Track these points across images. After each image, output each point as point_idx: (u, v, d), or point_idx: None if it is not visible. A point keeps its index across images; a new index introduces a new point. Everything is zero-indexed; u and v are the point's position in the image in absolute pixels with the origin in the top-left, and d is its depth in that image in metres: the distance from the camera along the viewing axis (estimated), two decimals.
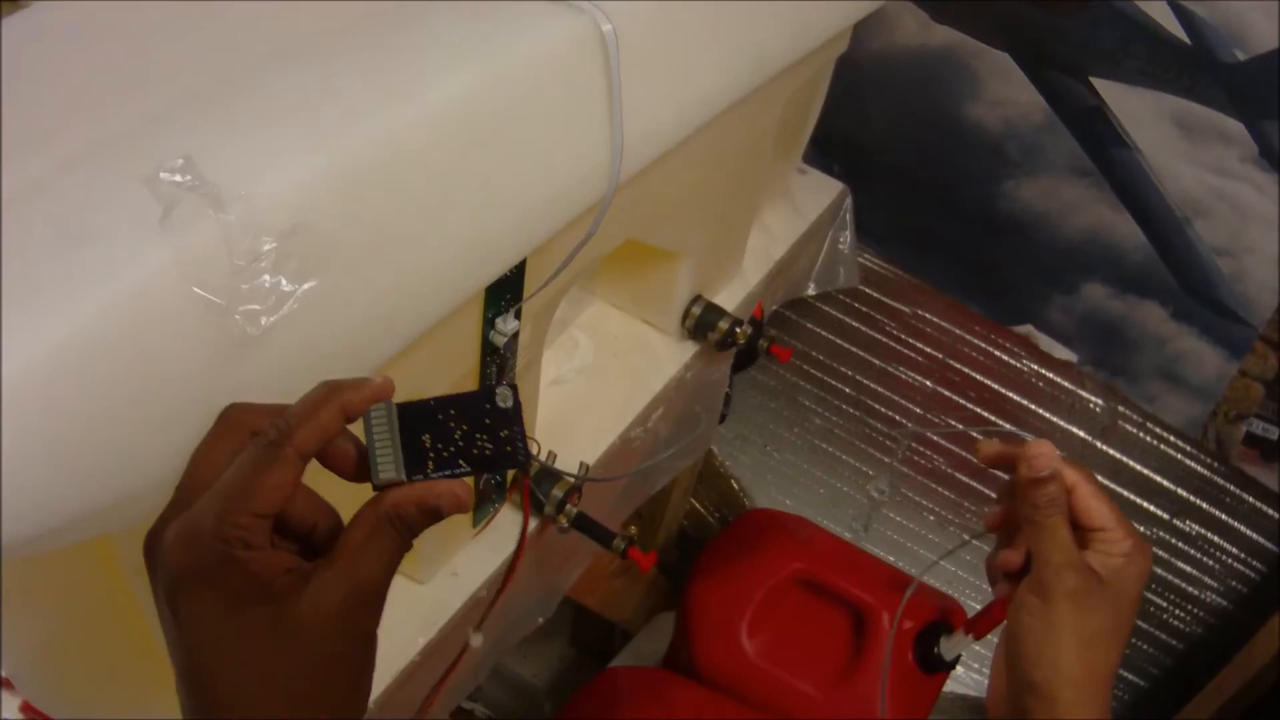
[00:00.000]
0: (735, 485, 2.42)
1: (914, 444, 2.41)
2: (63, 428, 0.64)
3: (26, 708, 1.08)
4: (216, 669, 0.61)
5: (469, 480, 0.74)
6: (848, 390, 2.43)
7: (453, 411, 0.69)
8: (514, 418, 0.71)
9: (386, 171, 0.78)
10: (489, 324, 1.07)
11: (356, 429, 0.68)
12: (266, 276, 0.69)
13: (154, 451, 0.69)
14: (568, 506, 1.30)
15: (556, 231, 0.97)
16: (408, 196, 0.81)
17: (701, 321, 1.57)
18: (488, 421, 0.69)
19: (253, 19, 0.88)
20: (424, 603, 1.25)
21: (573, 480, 1.31)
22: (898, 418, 2.42)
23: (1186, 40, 1.86)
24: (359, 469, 0.68)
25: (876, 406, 2.43)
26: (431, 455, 0.68)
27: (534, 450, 1.30)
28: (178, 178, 0.67)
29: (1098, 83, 1.96)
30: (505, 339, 1.08)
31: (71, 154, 0.72)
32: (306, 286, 0.71)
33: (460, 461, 0.69)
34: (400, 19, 0.87)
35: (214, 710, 0.61)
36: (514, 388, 0.71)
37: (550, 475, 1.31)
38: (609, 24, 0.90)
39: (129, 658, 0.99)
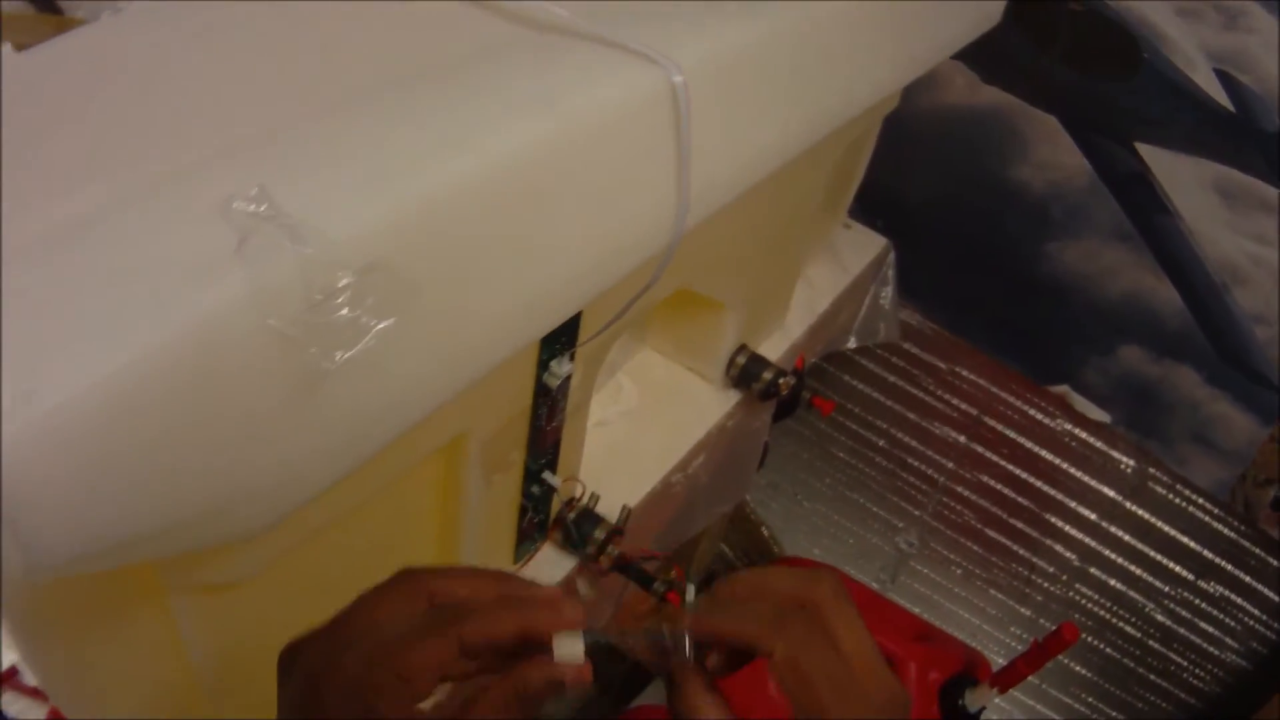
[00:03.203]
0: (765, 532, 2.42)
1: (945, 498, 2.42)
2: (126, 449, 0.63)
3: (55, 714, 1.08)
4: None
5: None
6: (882, 443, 2.44)
7: None
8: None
9: (461, 214, 0.79)
10: (543, 366, 1.08)
11: None
12: (344, 311, 0.69)
13: (217, 479, 0.69)
14: (609, 548, 1.30)
15: (618, 280, 0.98)
16: (481, 239, 0.81)
17: (746, 371, 1.58)
18: None
19: (330, 57, 0.88)
20: None
21: (614, 524, 1.32)
22: (930, 472, 2.42)
23: (1231, 108, 1.87)
24: None
25: (910, 460, 2.44)
26: None
27: (578, 491, 1.31)
28: (252, 207, 0.67)
29: (1143, 148, 1.97)
30: (559, 381, 1.09)
31: (143, 180, 0.72)
32: (385, 324, 0.72)
33: None
34: (477, 64, 0.88)
35: None
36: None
37: (592, 517, 1.31)
38: (680, 76, 0.91)
39: (163, 681, 0.99)
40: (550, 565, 1.34)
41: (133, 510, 0.66)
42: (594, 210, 0.91)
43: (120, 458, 0.63)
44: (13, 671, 1.11)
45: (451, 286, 0.80)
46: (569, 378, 1.11)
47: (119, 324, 0.63)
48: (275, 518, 0.75)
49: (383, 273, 0.71)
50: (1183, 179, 1.97)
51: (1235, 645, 2.35)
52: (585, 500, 1.31)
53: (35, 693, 1.09)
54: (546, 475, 1.23)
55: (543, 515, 1.29)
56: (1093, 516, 2.35)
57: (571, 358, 1.09)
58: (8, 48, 0.83)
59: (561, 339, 1.07)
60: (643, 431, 1.52)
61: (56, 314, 0.62)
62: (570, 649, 0.71)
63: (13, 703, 1.09)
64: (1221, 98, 1.88)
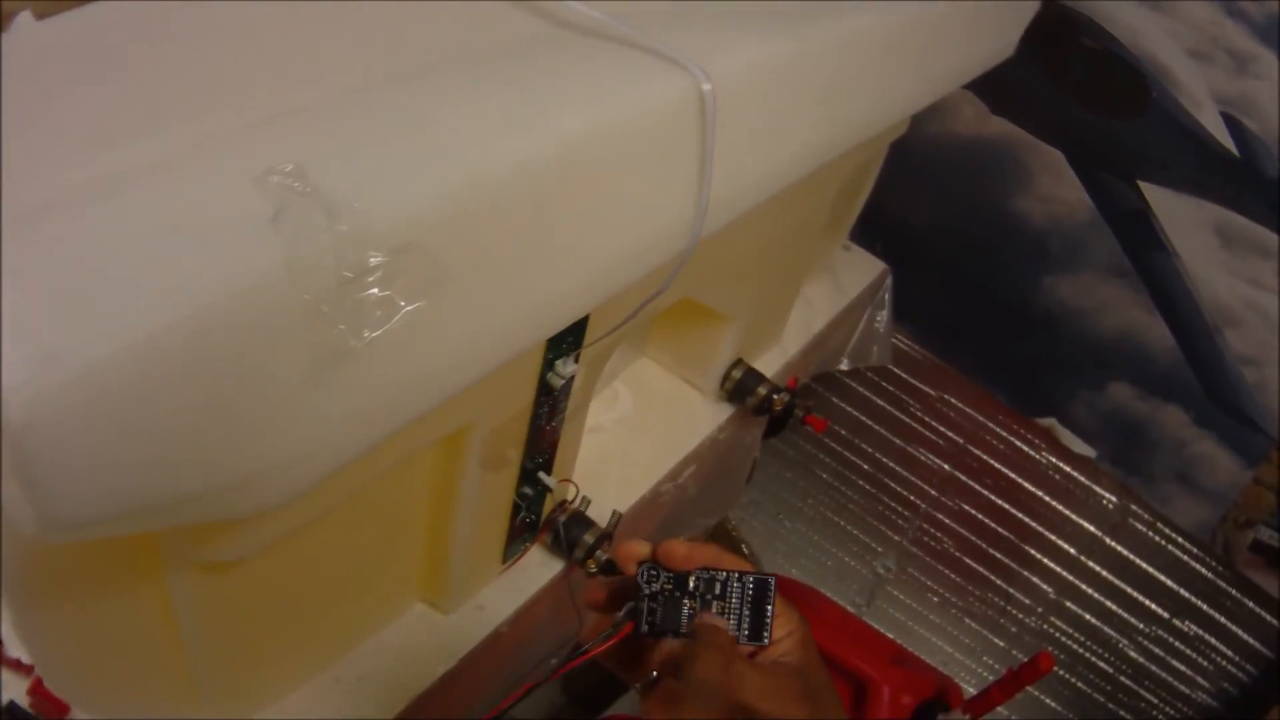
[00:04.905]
0: (745, 550, 2.42)
1: (925, 525, 2.42)
2: (149, 417, 0.63)
3: (37, 688, 1.08)
4: None
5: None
6: (866, 466, 2.45)
7: None
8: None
9: (493, 203, 0.79)
10: (548, 365, 1.08)
11: None
12: (374, 290, 0.70)
13: (237, 451, 0.69)
14: (597, 553, 1.30)
15: (634, 282, 0.98)
16: (510, 230, 0.82)
17: (741, 385, 1.59)
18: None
19: (373, 40, 0.89)
20: (447, 633, 1.25)
21: (604, 527, 1.32)
22: (912, 498, 2.43)
23: (1236, 152, 1.88)
24: None
25: (892, 485, 2.44)
26: None
27: (572, 493, 1.31)
28: (288, 182, 0.67)
29: (1145, 187, 1.99)
30: (562, 382, 1.09)
31: (182, 143, 0.72)
32: (414, 306, 0.72)
33: None
34: (514, 60, 0.89)
35: None
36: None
37: (582, 521, 1.32)
38: (709, 84, 0.92)
39: (153, 655, 0.99)
40: (538, 567, 1.34)
41: (151, 477, 0.66)
42: (617, 210, 0.91)
43: (143, 425, 0.63)
44: None
45: (477, 274, 0.80)
46: (572, 379, 1.12)
47: (150, 288, 0.63)
48: (289, 494, 0.75)
49: (415, 254, 0.72)
50: (1183, 219, 1.99)
51: (1206, 685, 2.35)
52: (577, 503, 1.32)
53: (18, 665, 1.09)
54: (542, 475, 1.23)
55: (534, 516, 1.29)
56: (1072, 550, 2.36)
57: (577, 359, 1.10)
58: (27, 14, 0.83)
59: (568, 339, 1.07)
60: (636, 439, 1.53)
61: (86, 271, 0.62)
62: None
63: None
64: (1226, 141, 1.89)
